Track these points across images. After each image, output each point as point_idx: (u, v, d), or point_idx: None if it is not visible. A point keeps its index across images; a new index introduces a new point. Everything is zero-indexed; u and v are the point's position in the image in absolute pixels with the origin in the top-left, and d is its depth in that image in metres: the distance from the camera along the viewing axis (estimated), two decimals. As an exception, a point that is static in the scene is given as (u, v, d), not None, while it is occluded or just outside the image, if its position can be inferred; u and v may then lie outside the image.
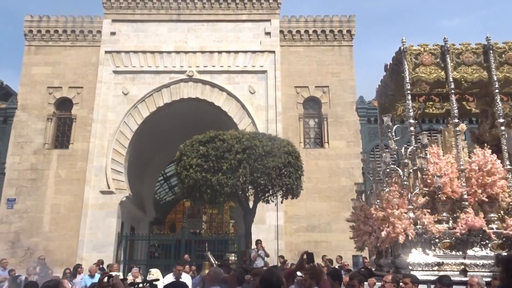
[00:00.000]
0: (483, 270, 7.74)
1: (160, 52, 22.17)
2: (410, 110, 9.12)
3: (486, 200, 8.34)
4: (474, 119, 12.86)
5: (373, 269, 9.72)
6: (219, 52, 22.18)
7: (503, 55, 9.17)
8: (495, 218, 8.33)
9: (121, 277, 12.39)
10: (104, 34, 22.46)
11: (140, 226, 25.76)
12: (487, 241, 8.06)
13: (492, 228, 8.11)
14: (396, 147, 8.86)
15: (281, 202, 15.50)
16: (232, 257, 22.24)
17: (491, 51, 9.11)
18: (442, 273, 7.38)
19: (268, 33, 22.52)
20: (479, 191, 8.36)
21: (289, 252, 19.02)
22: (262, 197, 14.27)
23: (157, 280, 8.15)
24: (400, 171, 8.38)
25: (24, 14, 23.06)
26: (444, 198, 8.33)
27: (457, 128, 9.03)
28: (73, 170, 20.67)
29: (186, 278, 11.46)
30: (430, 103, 11.06)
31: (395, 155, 9.16)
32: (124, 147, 21.06)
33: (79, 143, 21.12)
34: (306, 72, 22.16)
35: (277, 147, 13.36)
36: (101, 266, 15.51)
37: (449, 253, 8.06)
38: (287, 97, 21.69)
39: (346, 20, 22.99)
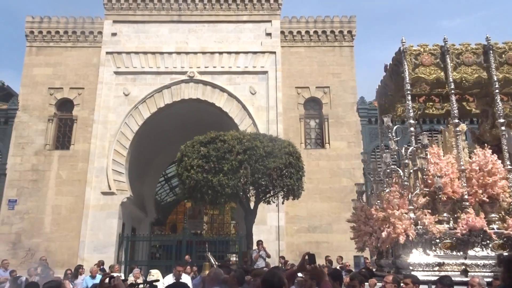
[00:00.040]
0: (484, 270, 7.72)
1: (161, 53, 22.18)
2: (410, 111, 9.12)
3: (487, 200, 8.33)
4: (475, 119, 12.83)
5: (374, 270, 9.71)
6: (220, 53, 22.19)
7: (503, 55, 9.16)
8: (496, 218, 8.32)
9: (122, 278, 12.40)
10: (105, 35, 22.48)
11: (141, 227, 25.77)
12: (488, 241, 8.05)
13: (493, 228, 8.10)
14: (397, 148, 8.85)
15: (282, 203, 15.48)
16: (233, 258, 22.24)
17: (491, 51, 9.10)
18: (443, 273, 7.38)
19: (269, 34, 22.53)
20: (480, 191, 8.35)
21: (290, 252, 19.01)
22: (263, 198, 14.28)
23: (157, 281, 8.15)
24: (400, 171, 8.38)
25: (25, 15, 23.13)
26: (445, 198, 8.32)
27: (458, 128, 9.02)
28: (74, 171, 20.69)
29: (186, 279, 11.47)
30: (430, 103, 11.06)
31: (395, 156, 9.14)
32: (125, 148, 21.08)
33: (80, 144, 21.14)
34: (307, 73, 22.16)
35: (278, 147, 13.36)
36: (101, 267, 15.52)
37: (450, 253, 8.05)
38: (288, 97, 21.70)
39: (347, 20, 23.00)
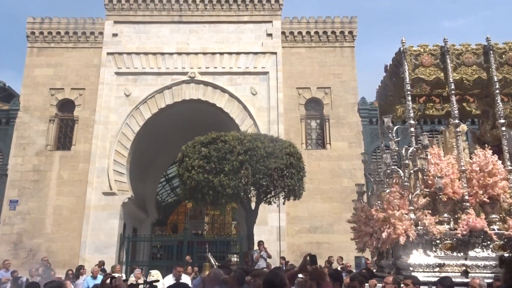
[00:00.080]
0: (484, 271, 7.72)
1: (162, 54, 22.20)
2: (410, 111, 9.12)
3: (487, 201, 8.33)
4: (476, 120, 12.84)
5: (374, 270, 9.71)
6: (221, 53, 22.21)
7: (503, 56, 9.15)
8: (497, 219, 8.32)
9: (124, 278, 12.42)
10: (106, 35, 22.51)
11: (142, 228, 25.79)
12: (488, 242, 8.04)
13: (493, 229, 8.10)
14: (397, 148, 8.85)
15: (283, 203, 15.49)
16: (235, 259, 22.24)
17: (491, 52, 9.10)
18: (443, 274, 7.37)
19: (269, 35, 22.54)
20: (480, 192, 8.35)
21: (291, 253, 19.02)
22: (264, 199, 14.28)
23: (157, 281, 8.16)
24: (400, 172, 8.38)
25: (26, 16, 23.20)
26: (445, 199, 8.32)
27: (458, 129, 9.02)
28: (75, 172, 20.71)
29: (185, 279, 11.49)
30: (431, 104, 11.05)
31: (396, 156, 9.14)
32: (126, 148, 21.10)
33: (81, 145, 21.16)
34: (308, 73, 22.17)
35: (279, 148, 13.36)
36: (102, 267, 15.53)
37: (450, 254, 8.05)
38: (289, 98, 21.70)
39: (348, 21, 23.00)
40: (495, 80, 8.96)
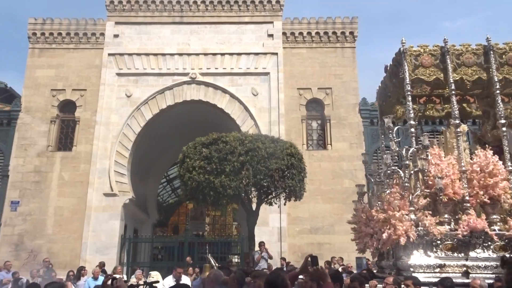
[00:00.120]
0: (485, 272, 7.70)
1: (163, 55, 22.22)
2: (411, 112, 9.11)
3: (488, 201, 8.31)
4: (477, 121, 12.82)
5: (375, 271, 9.70)
6: (222, 54, 22.22)
7: (503, 56, 9.13)
8: (497, 220, 8.31)
9: (125, 279, 12.42)
10: (107, 36, 22.54)
11: (143, 228, 25.81)
12: (489, 243, 8.03)
13: (494, 230, 8.09)
14: (397, 149, 8.83)
15: (284, 204, 15.48)
16: (235, 259, 22.26)
17: (492, 52, 9.08)
18: (444, 275, 7.35)
19: (270, 35, 22.55)
20: (481, 192, 8.34)
21: (292, 254, 19.00)
22: (265, 199, 14.25)
23: (157, 282, 8.15)
24: (401, 172, 8.36)
25: (28, 17, 23.21)
26: (446, 199, 8.31)
27: (458, 129, 9.01)
28: (77, 173, 20.73)
29: (185, 280, 11.49)
30: (431, 105, 11.02)
31: (396, 157, 9.13)
32: (127, 149, 21.11)
33: (82, 146, 21.18)
34: (309, 74, 22.16)
35: (280, 149, 13.34)
36: (102, 268, 15.54)
37: (451, 255, 8.03)
38: (290, 99, 21.70)
39: (349, 21, 23.00)
40: (496, 80, 8.94)
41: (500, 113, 8.96)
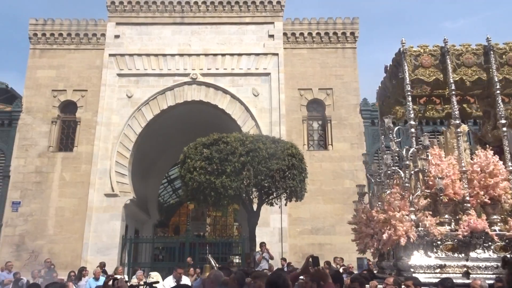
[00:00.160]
0: (485, 272, 7.68)
1: (164, 55, 22.23)
2: (411, 112, 9.10)
3: (489, 201, 8.29)
4: (478, 121, 12.81)
5: (376, 272, 9.69)
6: (223, 54, 22.23)
7: (503, 56, 9.11)
8: (498, 220, 8.29)
9: (126, 279, 12.42)
10: (108, 37, 22.56)
11: (144, 229, 25.82)
12: (489, 243, 8.01)
13: (494, 230, 8.06)
14: (398, 149, 8.83)
15: (285, 205, 15.49)
16: (236, 260, 22.24)
17: (492, 52, 9.07)
18: (444, 275, 7.34)
19: (271, 36, 22.55)
20: (481, 192, 8.32)
21: (293, 254, 19.00)
22: (266, 200, 14.27)
23: (157, 282, 8.15)
24: (401, 173, 8.35)
25: (29, 18, 23.25)
26: (446, 200, 8.29)
27: (459, 130, 9.00)
28: (78, 173, 20.75)
29: (185, 281, 11.49)
30: (431, 105, 11.00)
31: (396, 157, 9.11)
32: (128, 149, 21.13)
33: (83, 146, 21.20)
34: (310, 75, 22.16)
35: (280, 149, 13.36)
36: (103, 268, 15.55)
37: (452, 255, 8.01)
38: (291, 99, 21.71)
39: (350, 22, 23.00)
40: (496, 80, 8.93)
41: (500, 113, 8.94)
